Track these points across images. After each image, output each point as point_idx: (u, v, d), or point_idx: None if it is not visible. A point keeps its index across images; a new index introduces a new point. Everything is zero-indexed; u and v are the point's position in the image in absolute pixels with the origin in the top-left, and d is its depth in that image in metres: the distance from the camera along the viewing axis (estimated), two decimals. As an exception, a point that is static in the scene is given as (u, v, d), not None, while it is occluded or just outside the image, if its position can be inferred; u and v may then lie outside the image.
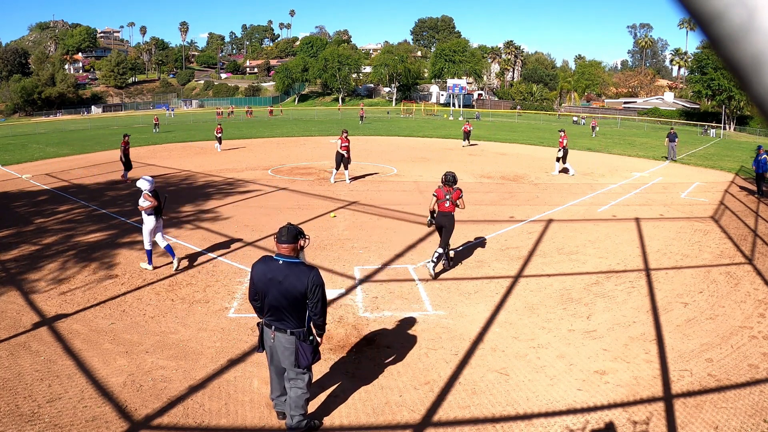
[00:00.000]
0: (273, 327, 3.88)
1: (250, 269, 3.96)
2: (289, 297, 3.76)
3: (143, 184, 7.65)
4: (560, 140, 17.41)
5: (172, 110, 73.99)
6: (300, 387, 3.96)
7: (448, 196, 7.69)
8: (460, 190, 7.81)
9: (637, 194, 14.58)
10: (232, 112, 58.07)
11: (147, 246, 7.88)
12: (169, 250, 7.90)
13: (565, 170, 17.68)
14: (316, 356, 3.95)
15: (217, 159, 21.74)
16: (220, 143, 25.20)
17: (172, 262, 8.01)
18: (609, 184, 16.18)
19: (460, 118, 41.82)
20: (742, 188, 16.01)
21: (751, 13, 0.44)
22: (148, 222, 7.76)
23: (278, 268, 3.80)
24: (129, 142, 16.45)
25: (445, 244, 7.73)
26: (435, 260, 7.63)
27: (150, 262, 7.99)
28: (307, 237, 4.01)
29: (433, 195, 7.81)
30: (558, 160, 17.67)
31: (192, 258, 8.61)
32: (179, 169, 18.86)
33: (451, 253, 8.25)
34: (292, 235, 3.86)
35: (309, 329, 3.91)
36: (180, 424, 4.31)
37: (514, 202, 13.00)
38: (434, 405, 4.59)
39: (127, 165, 16.28)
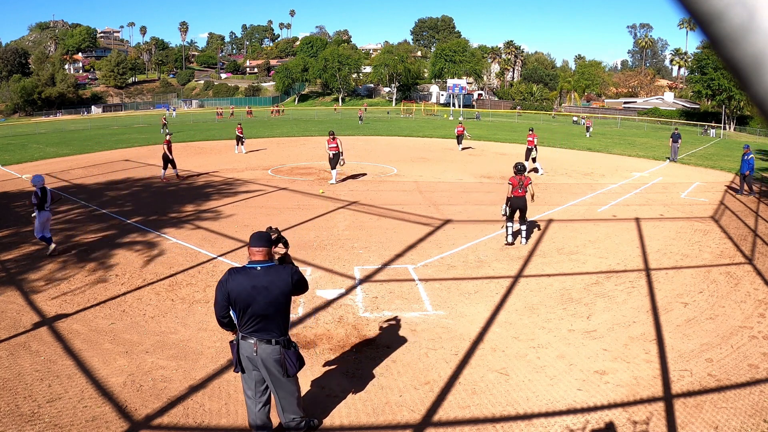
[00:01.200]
0: (255, 339, 3.69)
1: (217, 285, 3.76)
2: (278, 303, 3.65)
3: (34, 181, 8.61)
4: (530, 138, 17.68)
5: (174, 110, 73.97)
6: (290, 392, 3.88)
7: (521, 183, 9.17)
8: (530, 178, 9.32)
9: (637, 194, 14.58)
10: (232, 113, 57.86)
11: (37, 235, 8.70)
12: (46, 239, 8.81)
13: (534, 169, 17.77)
14: (301, 363, 3.84)
15: (217, 159, 21.74)
16: (241, 144, 23.26)
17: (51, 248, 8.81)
18: (609, 184, 16.18)
19: (460, 119, 41.71)
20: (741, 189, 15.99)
21: (751, 13, 0.44)
22: (39, 216, 8.57)
23: (260, 276, 3.64)
24: (171, 141, 16.57)
25: (524, 219, 9.40)
26: (526, 235, 9.48)
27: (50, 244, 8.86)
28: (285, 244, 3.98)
29: (509, 183, 9.29)
30: (534, 160, 17.87)
31: (192, 258, 8.62)
32: (179, 168, 18.82)
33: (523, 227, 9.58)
34: (266, 238, 3.76)
35: (289, 338, 3.83)
36: (180, 424, 4.32)
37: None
38: (434, 405, 4.59)
39: (169, 163, 16.32)
